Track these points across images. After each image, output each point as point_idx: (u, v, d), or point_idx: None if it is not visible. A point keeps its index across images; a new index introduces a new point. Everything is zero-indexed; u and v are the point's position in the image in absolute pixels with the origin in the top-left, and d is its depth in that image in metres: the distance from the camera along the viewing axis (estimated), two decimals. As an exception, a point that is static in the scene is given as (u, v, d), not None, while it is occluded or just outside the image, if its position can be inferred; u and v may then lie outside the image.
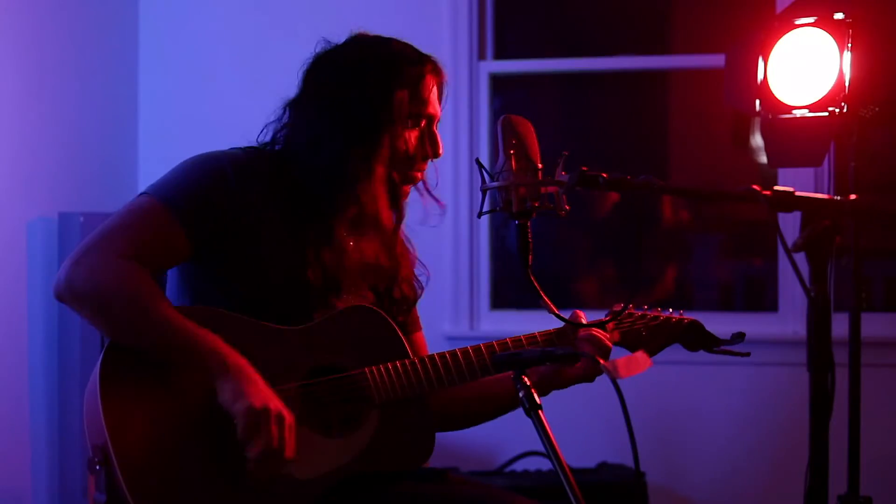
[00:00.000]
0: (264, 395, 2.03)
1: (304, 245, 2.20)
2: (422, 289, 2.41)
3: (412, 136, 2.25)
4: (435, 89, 2.27)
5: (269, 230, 2.18)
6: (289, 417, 2.04)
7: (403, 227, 2.38)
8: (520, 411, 1.97)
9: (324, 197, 2.20)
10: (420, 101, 2.24)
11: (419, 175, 2.28)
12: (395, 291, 2.35)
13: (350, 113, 2.20)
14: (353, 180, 2.20)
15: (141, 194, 2.17)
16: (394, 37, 2.30)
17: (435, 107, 2.27)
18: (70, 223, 3.82)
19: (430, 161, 2.28)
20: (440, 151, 2.28)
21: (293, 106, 2.27)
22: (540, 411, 1.92)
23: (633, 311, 2.40)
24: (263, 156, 2.24)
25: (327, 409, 2.15)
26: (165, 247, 2.13)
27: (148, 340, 2.06)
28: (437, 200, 2.36)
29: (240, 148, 2.25)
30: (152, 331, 2.05)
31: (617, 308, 2.38)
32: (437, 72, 2.28)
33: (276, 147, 2.27)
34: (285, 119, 2.27)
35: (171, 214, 2.12)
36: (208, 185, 2.15)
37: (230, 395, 2.03)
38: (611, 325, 2.34)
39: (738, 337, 2.37)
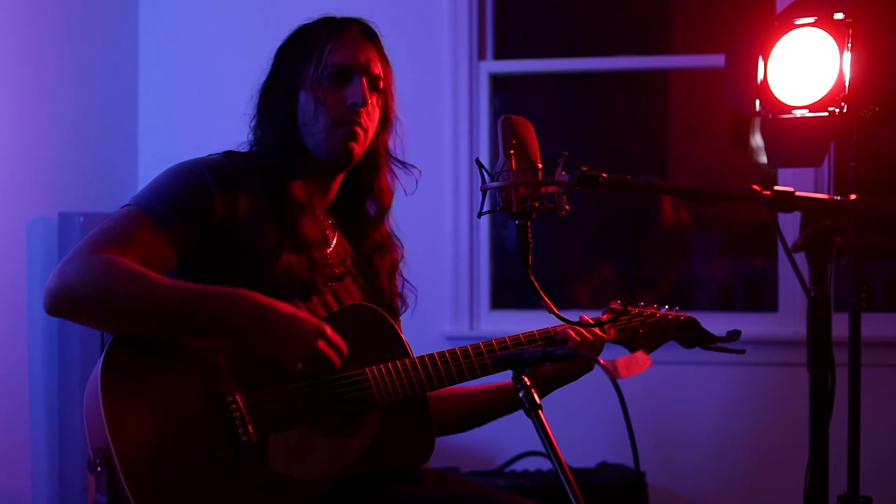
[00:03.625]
0: (302, 333, 2.06)
1: (290, 240, 2.22)
2: (405, 304, 2.43)
3: (330, 89, 2.26)
4: (357, 41, 2.29)
5: (253, 232, 2.20)
6: (327, 329, 2.09)
7: (393, 223, 2.42)
8: (520, 412, 1.97)
9: (276, 166, 2.25)
10: (332, 55, 2.27)
11: (357, 129, 2.26)
12: (384, 290, 2.37)
13: (275, 88, 2.30)
14: (286, 139, 2.26)
15: (123, 206, 2.17)
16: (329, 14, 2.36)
17: (350, 57, 2.28)
18: (70, 223, 3.82)
19: (359, 109, 2.26)
20: (363, 99, 2.25)
21: (256, 105, 2.36)
22: (540, 411, 1.93)
23: (630, 308, 2.40)
24: (239, 157, 2.28)
25: (328, 409, 2.15)
26: (149, 251, 2.12)
27: (158, 316, 2.05)
28: (407, 165, 2.39)
29: (217, 153, 2.28)
30: (159, 304, 2.04)
31: (614, 305, 2.39)
32: (356, 27, 2.31)
33: (249, 145, 2.33)
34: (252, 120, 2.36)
35: (154, 222, 2.13)
36: (189, 193, 2.16)
37: (272, 348, 2.06)
38: (607, 320, 2.35)
39: (734, 334, 2.37)
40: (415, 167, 2.40)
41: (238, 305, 2.06)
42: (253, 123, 2.33)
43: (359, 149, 2.29)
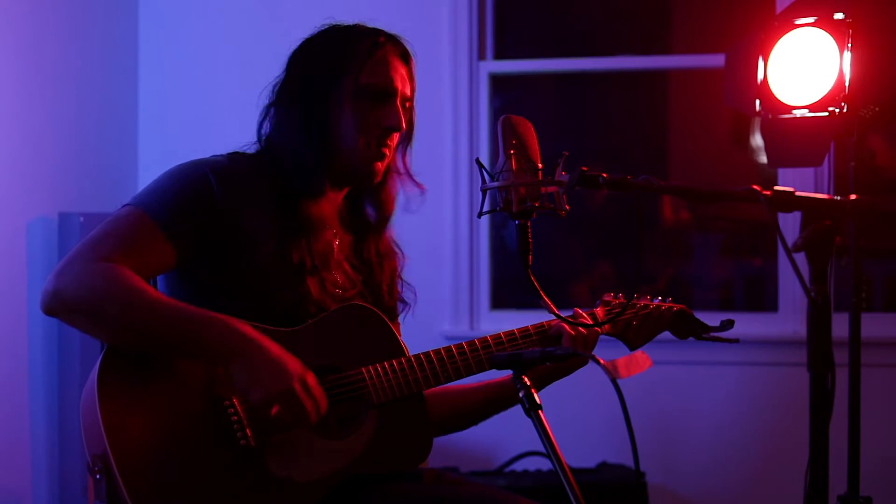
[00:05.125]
0: (281, 373, 2.03)
1: (292, 245, 2.20)
2: (406, 304, 2.41)
3: (367, 108, 2.24)
4: (394, 63, 2.27)
5: (255, 234, 2.18)
6: (310, 378, 2.06)
7: (394, 234, 2.40)
8: (520, 411, 1.98)
9: (296, 179, 2.22)
10: (371, 75, 2.24)
11: (385, 150, 2.26)
12: (384, 296, 2.36)
13: (304, 93, 2.24)
14: (316, 156, 2.22)
15: (124, 206, 2.16)
16: (360, 22, 2.32)
17: (390, 80, 2.25)
18: (70, 223, 3.82)
19: (396, 134, 2.26)
20: (399, 125, 2.25)
21: (271, 103, 2.31)
22: (540, 411, 1.93)
23: (623, 300, 2.39)
24: (244, 159, 2.26)
25: (326, 410, 2.15)
26: (149, 254, 2.11)
27: (148, 334, 2.04)
28: (417, 184, 2.37)
29: (221, 154, 2.25)
30: (151, 323, 2.03)
31: (607, 297, 2.39)
32: (393, 47, 2.28)
33: (258, 147, 2.30)
34: (264, 118, 2.31)
35: (154, 222, 2.11)
36: (190, 192, 2.15)
37: (245, 385, 2.03)
38: (601, 314, 2.34)
39: (728, 324, 2.36)
40: (422, 186, 2.37)
41: (225, 334, 2.04)
42: (269, 122, 2.29)
43: (382, 169, 2.28)
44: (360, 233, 2.36)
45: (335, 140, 2.23)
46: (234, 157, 2.25)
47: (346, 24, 2.32)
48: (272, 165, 2.24)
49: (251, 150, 2.30)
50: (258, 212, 2.19)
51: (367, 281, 2.34)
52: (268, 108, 2.30)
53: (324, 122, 2.23)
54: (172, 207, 2.13)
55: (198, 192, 2.15)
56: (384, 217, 2.37)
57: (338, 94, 2.23)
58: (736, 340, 2.39)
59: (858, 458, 2.92)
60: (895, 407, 4.00)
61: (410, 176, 2.36)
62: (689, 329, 2.42)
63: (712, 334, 2.40)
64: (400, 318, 2.43)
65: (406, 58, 2.31)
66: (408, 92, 2.30)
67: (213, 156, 2.24)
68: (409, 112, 2.33)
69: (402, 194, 2.37)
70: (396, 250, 2.41)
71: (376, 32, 2.29)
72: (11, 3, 3.76)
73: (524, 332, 2.30)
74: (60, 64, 4.03)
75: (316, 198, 2.24)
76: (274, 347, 2.06)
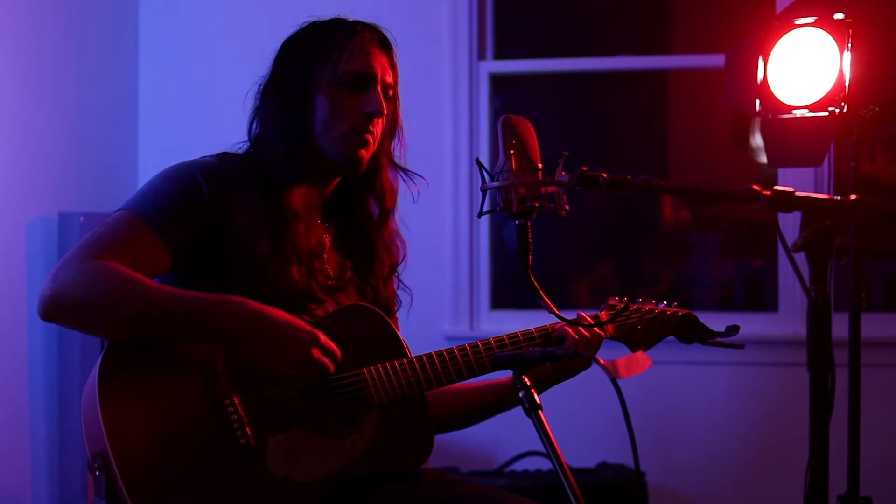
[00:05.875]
0: (296, 341, 2.07)
1: (285, 243, 2.21)
2: (401, 301, 2.42)
3: (345, 96, 2.24)
4: (372, 51, 2.27)
5: (248, 232, 2.19)
6: (321, 336, 2.09)
7: (398, 225, 2.40)
8: (520, 411, 1.98)
9: (274, 169, 2.23)
10: (349, 63, 2.24)
11: (368, 137, 2.26)
12: (380, 290, 2.36)
13: (284, 84, 2.26)
14: (290, 145, 2.23)
15: (116, 210, 2.17)
16: (339, 15, 2.33)
17: (368, 66, 2.25)
18: (70, 223, 3.82)
19: (375, 119, 2.25)
20: (380, 110, 2.24)
21: (258, 104, 2.32)
22: (540, 411, 1.93)
23: (628, 303, 2.40)
24: (233, 158, 2.26)
25: (327, 410, 2.15)
26: (142, 255, 2.11)
27: (151, 323, 2.05)
28: (412, 176, 2.37)
29: (211, 155, 2.26)
30: (150, 311, 2.04)
31: (612, 301, 2.39)
32: (371, 35, 2.28)
33: (246, 145, 2.31)
34: (252, 119, 2.32)
35: (146, 224, 2.12)
36: (181, 195, 2.15)
37: (265, 355, 2.06)
38: (606, 317, 2.34)
39: (733, 329, 2.37)
40: (421, 177, 2.38)
41: (231, 311, 2.06)
42: (255, 122, 2.30)
43: (367, 156, 2.28)
44: (356, 225, 2.36)
45: (313, 130, 2.24)
46: (224, 157, 2.26)
47: (324, 19, 2.32)
48: (259, 162, 2.25)
49: (241, 149, 2.31)
50: (249, 210, 2.20)
51: (361, 273, 2.34)
52: (256, 109, 2.32)
53: (301, 113, 2.24)
54: (163, 209, 2.13)
55: (188, 193, 2.16)
56: (385, 209, 2.36)
57: (315, 84, 2.24)
58: (741, 346, 2.40)
59: (858, 458, 2.92)
60: (895, 407, 4.00)
61: (403, 168, 2.37)
62: (693, 334, 2.42)
63: (717, 340, 2.41)
64: (398, 314, 2.43)
65: (386, 46, 2.31)
66: (389, 79, 2.29)
67: (203, 157, 2.25)
68: (394, 102, 2.33)
69: (402, 189, 2.38)
70: (399, 244, 2.41)
71: (353, 23, 2.30)
72: (11, 4, 3.76)
73: (527, 334, 2.30)
74: (60, 64, 4.03)
75: (294, 187, 2.24)
76: (280, 315, 2.08)
